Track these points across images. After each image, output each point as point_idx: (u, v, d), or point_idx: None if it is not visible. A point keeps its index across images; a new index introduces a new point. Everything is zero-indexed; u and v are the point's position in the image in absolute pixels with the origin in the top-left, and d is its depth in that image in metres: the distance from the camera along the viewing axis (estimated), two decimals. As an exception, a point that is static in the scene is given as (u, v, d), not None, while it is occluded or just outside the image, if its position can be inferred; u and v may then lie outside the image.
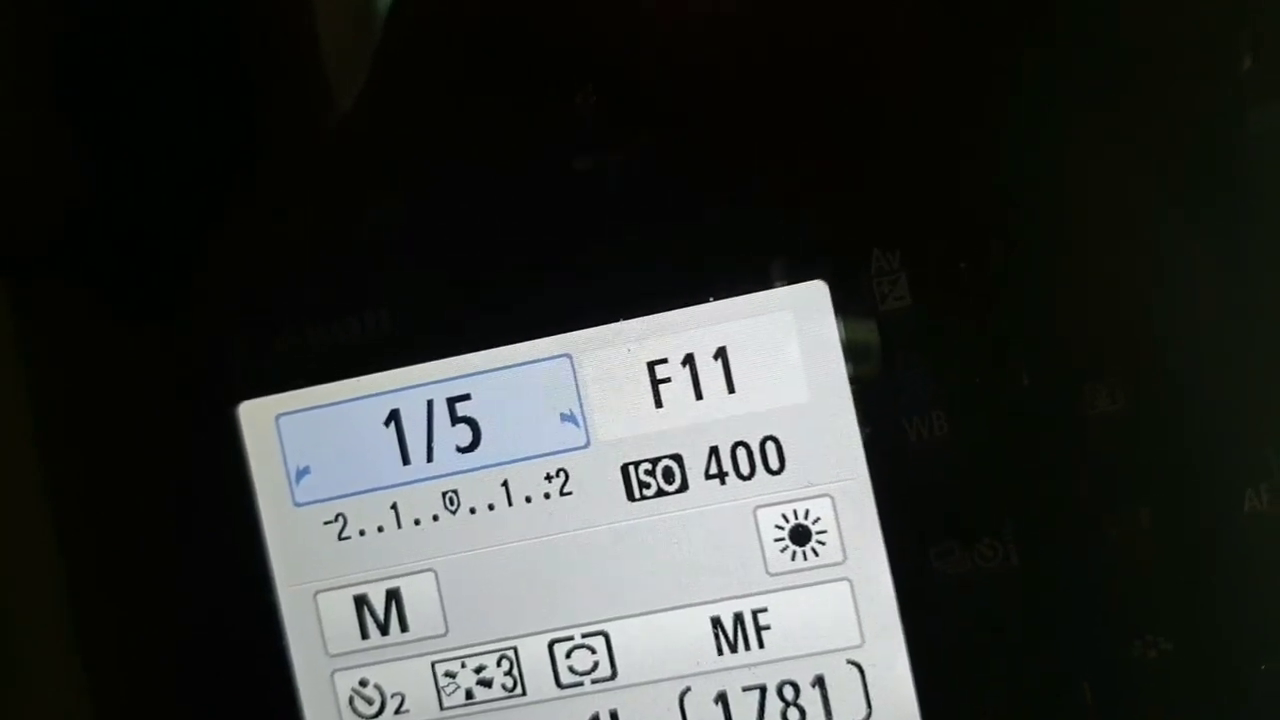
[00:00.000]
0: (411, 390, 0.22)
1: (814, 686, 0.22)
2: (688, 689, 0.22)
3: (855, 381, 0.21)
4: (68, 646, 0.23)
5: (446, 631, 0.22)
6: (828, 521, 0.21)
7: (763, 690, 0.22)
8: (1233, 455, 0.21)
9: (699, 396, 0.22)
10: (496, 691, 0.22)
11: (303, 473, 0.22)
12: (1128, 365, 0.21)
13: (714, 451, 0.22)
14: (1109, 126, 0.21)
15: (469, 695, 0.22)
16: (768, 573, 0.22)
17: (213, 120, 0.22)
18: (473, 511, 0.22)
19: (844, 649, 0.21)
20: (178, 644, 0.23)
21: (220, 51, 0.22)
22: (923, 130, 0.21)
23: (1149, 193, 0.21)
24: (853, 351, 0.21)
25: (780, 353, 0.21)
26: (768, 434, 0.22)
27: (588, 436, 0.22)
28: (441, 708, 0.22)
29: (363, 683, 0.22)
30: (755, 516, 0.22)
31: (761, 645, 0.22)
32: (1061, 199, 0.21)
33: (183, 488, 0.23)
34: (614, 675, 0.22)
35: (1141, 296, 0.21)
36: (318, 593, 0.22)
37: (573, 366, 0.22)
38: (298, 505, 0.22)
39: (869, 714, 0.21)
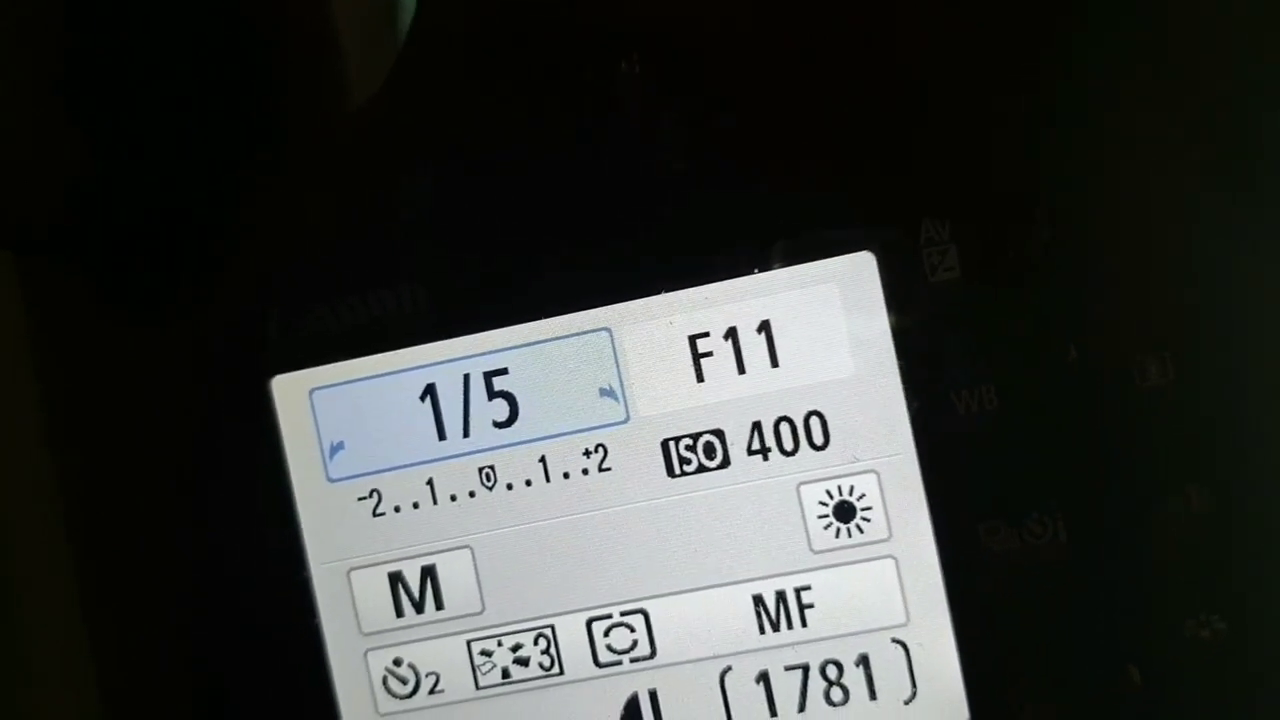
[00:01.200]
0: (448, 364, 0.22)
1: (858, 666, 0.21)
2: (729, 668, 0.21)
3: (902, 355, 0.21)
4: (96, 622, 0.23)
5: (483, 609, 0.22)
6: (873, 498, 0.21)
7: (805, 669, 0.21)
8: (1287, 431, 0.20)
9: (741, 370, 0.21)
10: (534, 670, 0.22)
11: (337, 448, 0.22)
12: (1180, 338, 0.20)
13: (756, 426, 0.21)
14: (1158, 98, 0.20)
15: (505, 674, 0.22)
16: (811, 550, 0.21)
17: (243, 93, 0.22)
18: (510, 488, 0.22)
19: (889, 628, 0.21)
20: (211, 622, 0.22)
21: (252, 21, 0.22)
22: (972, 100, 0.21)
23: (1199, 163, 0.20)
24: (900, 324, 0.21)
25: (825, 326, 0.21)
26: (812, 409, 0.21)
27: (627, 411, 0.21)
28: (477, 687, 0.22)
29: (396, 662, 0.22)
30: (799, 493, 0.21)
31: (804, 624, 0.21)
32: (1111, 170, 0.20)
33: (216, 464, 0.22)
34: (653, 654, 0.22)
35: (1193, 267, 0.20)
36: (351, 570, 0.22)
37: (612, 340, 0.21)
38: (331, 481, 0.22)
39: (914, 694, 0.21)
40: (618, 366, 0.21)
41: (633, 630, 0.22)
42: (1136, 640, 0.21)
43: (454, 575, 0.22)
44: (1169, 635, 0.20)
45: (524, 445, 0.22)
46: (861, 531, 0.21)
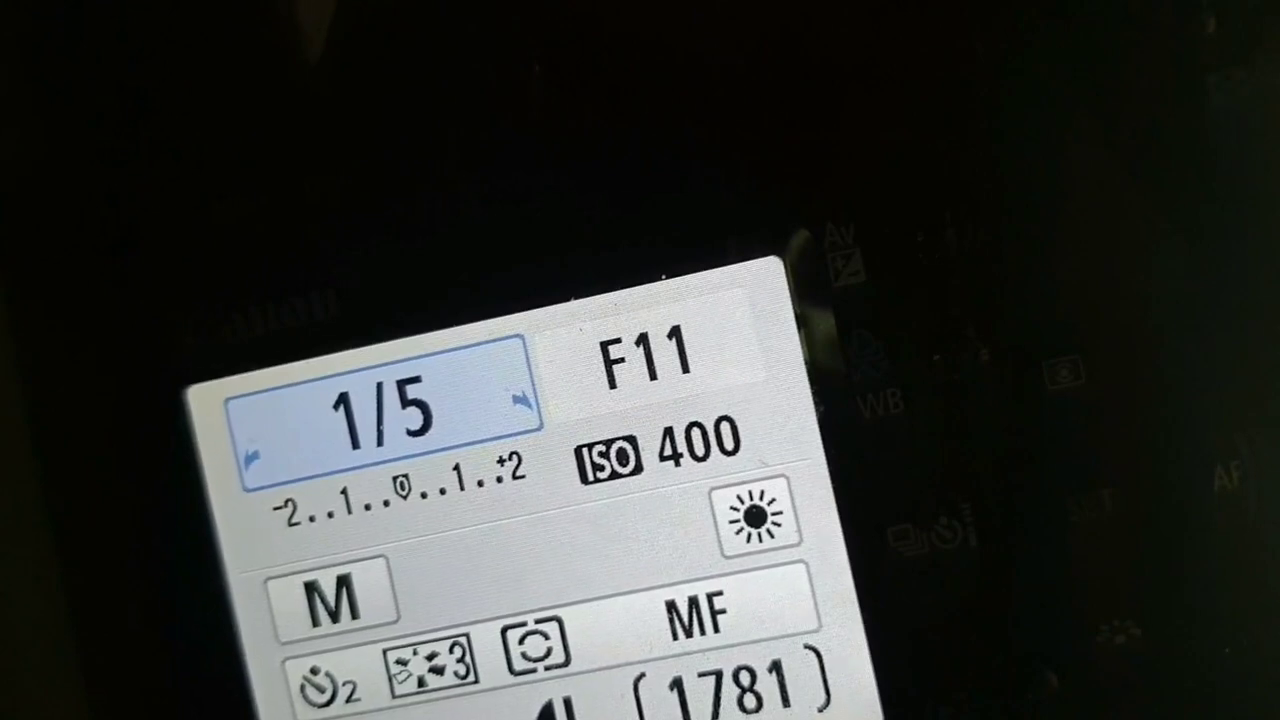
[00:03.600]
0: (361, 373, 0.22)
1: (771, 672, 0.21)
2: (642, 675, 0.21)
3: (810, 359, 0.21)
4: (8, 630, 0.23)
5: (398, 618, 0.22)
6: (783, 502, 0.21)
7: (719, 676, 0.21)
8: (1201, 433, 0.20)
9: (653, 376, 0.21)
10: (449, 679, 0.22)
11: (252, 457, 0.22)
12: (1090, 340, 0.20)
13: (668, 432, 0.21)
14: (1067, 99, 0.20)
15: (421, 683, 0.22)
16: (723, 555, 0.21)
17: (157, 104, 0.22)
18: (424, 496, 0.22)
19: (801, 633, 0.21)
20: (127, 631, 0.22)
21: (162, 31, 0.22)
22: (876, 105, 0.21)
23: (1110, 163, 0.20)
24: (807, 329, 0.21)
25: (735, 331, 0.21)
26: (722, 414, 0.21)
27: (541, 419, 0.21)
28: (393, 695, 0.22)
29: (314, 670, 0.22)
30: (710, 498, 0.21)
31: (717, 629, 0.21)
32: (1018, 172, 0.20)
33: (133, 474, 0.22)
34: (568, 661, 0.21)
35: (1103, 269, 0.20)
36: (268, 579, 0.22)
37: (525, 347, 0.21)
38: (247, 490, 0.22)
39: (828, 702, 0.21)
40: (531, 373, 0.21)
41: (547, 638, 0.22)
42: (1051, 646, 0.20)
43: (369, 584, 0.22)
44: (1084, 641, 0.20)
45: (438, 454, 0.22)
46: (772, 536, 0.21)
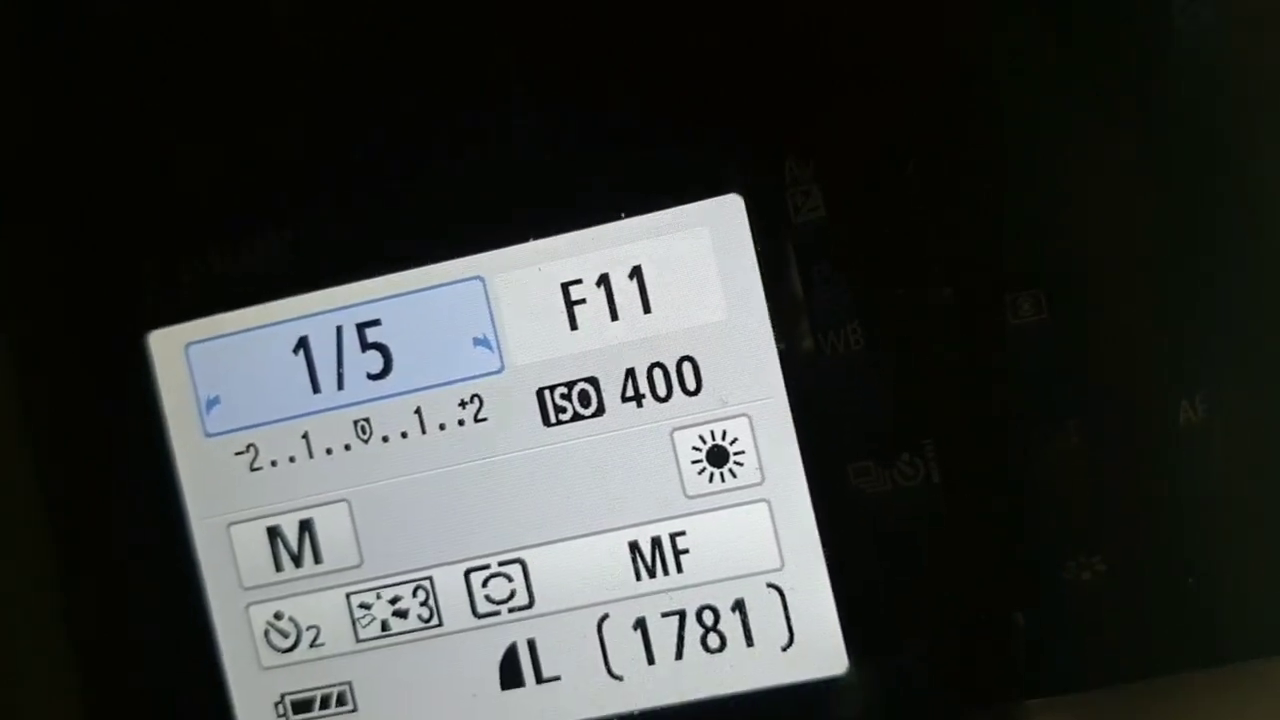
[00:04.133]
0: (320, 316, 0.22)
1: (734, 611, 0.21)
2: (606, 615, 0.21)
3: (771, 297, 0.20)
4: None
5: (361, 562, 0.22)
6: (745, 442, 0.21)
7: (682, 615, 0.21)
8: (1165, 366, 0.20)
9: (614, 317, 0.21)
10: (413, 622, 0.22)
11: (213, 403, 0.22)
12: (1053, 274, 0.20)
13: (630, 374, 0.21)
14: (1028, 31, 0.20)
15: (384, 627, 0.22)
16: (685, 495, 0.21)
17: (113, 55, 0.22)
18: (385, 440, 0.22)
19: (764, 572, 0.21)
20: (92, 579, 0.22)
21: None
22: (834, 40, 0.20)
23: (1069, 95, 0.20)
24: (768, 266, 0.20)
25: (697, 270, 0.21)
26: (684, 354, 0.21)
27: (502, 361, 0.21)
28: (358, 639, 0.22)
29: (277, 615, 0.22)
30: (673, 439, 0.21)
31: (680, 570, 0.21)
32: (977, 105, 0.20)
33: (94, 421, 0.22)
34: (531, 603, 0.21)
35: (1065, 203, 0.20)
36: (231, 524, 0.22)
37: (485, 289, 0.21)
38: (209, 436, 0.22)
39: (791, 640, 0.21)
40: (491, 315, 0.21)
41: (510, 580, 0.21)
42: (1016, 583, 0.20)
43: (332, 528, 0.22)
44: (1049, 577, 0.20)
45: (399, 397, 0.21)
46: (735, 476, 0.21)
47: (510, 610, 0.21)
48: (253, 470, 0.22)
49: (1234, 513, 0.20)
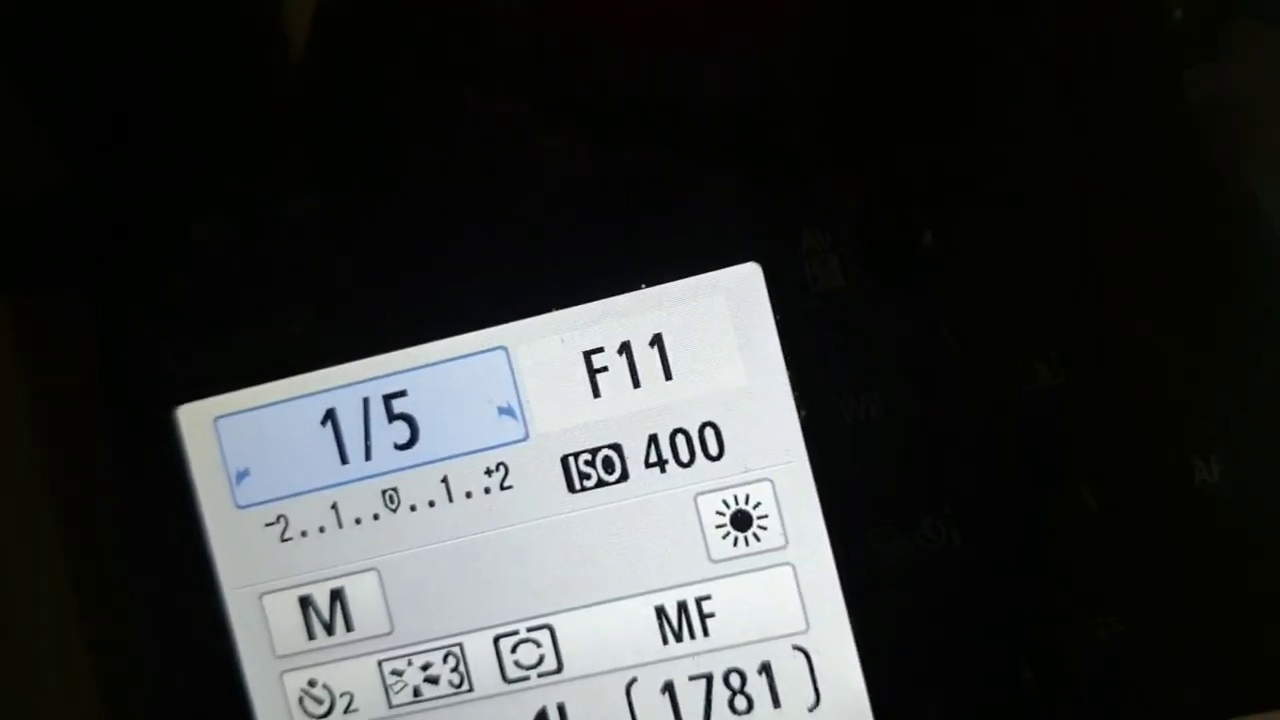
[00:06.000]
0: (347, 389, 0.22)
1: (760, 674, 0.21)
2: (634, 679, 0.22)
3: (791, 364, 0.21)
4: (12, 654, 0.23)
5: (392, 630, 0.22)
6: (768, 506, 0.21)
7: (709, 679, 0.21)
8: (1179, 427, 0.20)
9: (636, 384, 0.21)
10: (444, 688, 0.22)
11: (243, 475, 0.22)
12: (1067, 338, 0.20)
13: (653, 439, 0.21)
14: (1039, 99, 0.20)
15: (416, 693, 0.22)
16: (710, 560, 0.21)
17: (134, 128, 0.22)
18: (413, 509, 0.22)
19: (790, 635, 0.21)
20: (128, 651, 0.23)
21: (138, 51, 0.22)
22: (851, 110, 0.21)
23: (1083, 159, 0.20)
24: (787, 334, 0.21)
25: (716, 337, 0.21)
26: (706, 420, 0.21)
27: (526, 429, 0.22)
28: (390, 706, 0.22)
29: (311, 683, 0.22)
30: (696, 504, 0.21)
31: (706, 633, 0.21)
32: (992, 172, 0.20)
33: (127, 496, 0.23)
34: (560, 668, 0.22)
35: (1079, 267, 0.20)
36: (263, 594, 0.22)
37: (509, 359, 0.22)
38: (239, 508, 0.22)
39: (817, 701, 0.21)
40: (515, 384, 0.22)
41: (539, 646, 0.22)
42: (1035, 642, 0.21)
43: (362, 597, 0.22)
44: (1067, 636, 0.20)
45: (426, 466, 0.22)
46: (759, 540, 0.21)
47: (539, 675, 0.22)
48: (283, 541, 0.22)
49: (1250, 572, 0.20)
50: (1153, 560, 0.20)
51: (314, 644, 0.22)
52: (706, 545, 0.21)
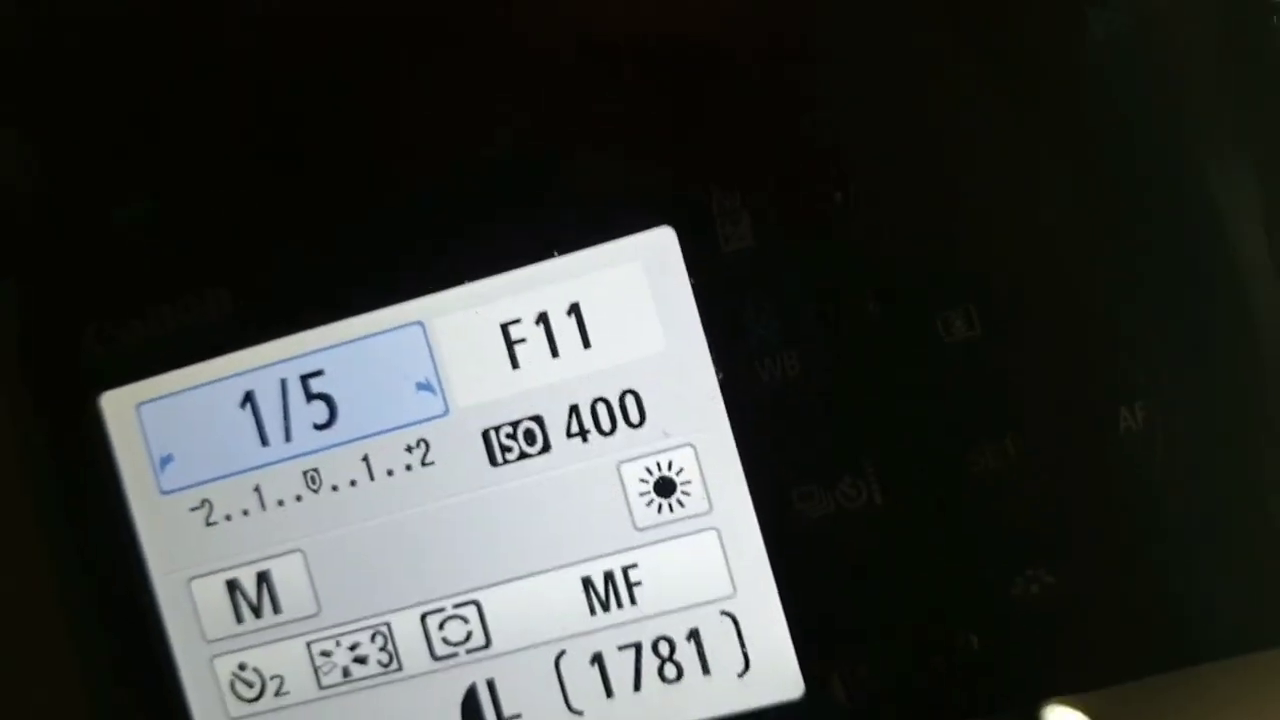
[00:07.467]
0: (264, 370, 0.22)
1: (689, 640, 0.21)
2: (563, 652, 0.21)
3: (707, 327, 0.21)
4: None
5: (319, 611, 0.22)
6: (691, 472, 0.21)
7: (638, 648, 0.21)
8: (1102, 374, 0.20)
9: (555, 354, 0.21)
10: (373, 668, 0.22)
11: (166, 460, 0.22)
12: (982, 289, 0.20)
13: (574, 410, 0.21)
14: (945, 47, 0.20)
15: (346, 673, 0.22)
16: (635, 528, 0.21)
17: (48, 108, 0.22)
18: (335, 489, 0.22)
19: (716, 600, 0.21)
20: (55, 640, 0.23)
21: (53, 32, 0.22)
22: (754, 67, 0.20)
23: (991, 105, 0.20)
24: (702, 296, 0.21)
25: (633, 303, 0.21)
26: (627, 387, 0.21)
27: (446, 404, 0.21)
28: (320, 687, 0.22)
29: (241, 666, 0.22)
30: (620, 472, 0.21)
31: (634, 602, 0.21)
32: (897, 123, 0.20)
33: (51, 484, 0.23)
34: (488, 644, 0.22)
35: (991, 216, 0.20)
36: (191, 579, 0.22)
37: (425, 333, 0.21)
38: (164, 493, 0.22)
39: (746, 667, 0.21)
40: (433, 359, 0.21)
41: (466, 621, 0.22)
42: (964, 598, 0.20)
43: (288, 579, 0.22)
44: (997, 592, 0.20)
45: (346, 445, 0.22)
46: (683, 506, 0.21)
47: (468, 651, 0.22)
48: (209, 525, 0.22)
49: (1179, 517, 0.20)
50: (1080, 511, 0.20)
51: (243, 627, 0.22)
52: (631, 513, 0.21)
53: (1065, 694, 0.20)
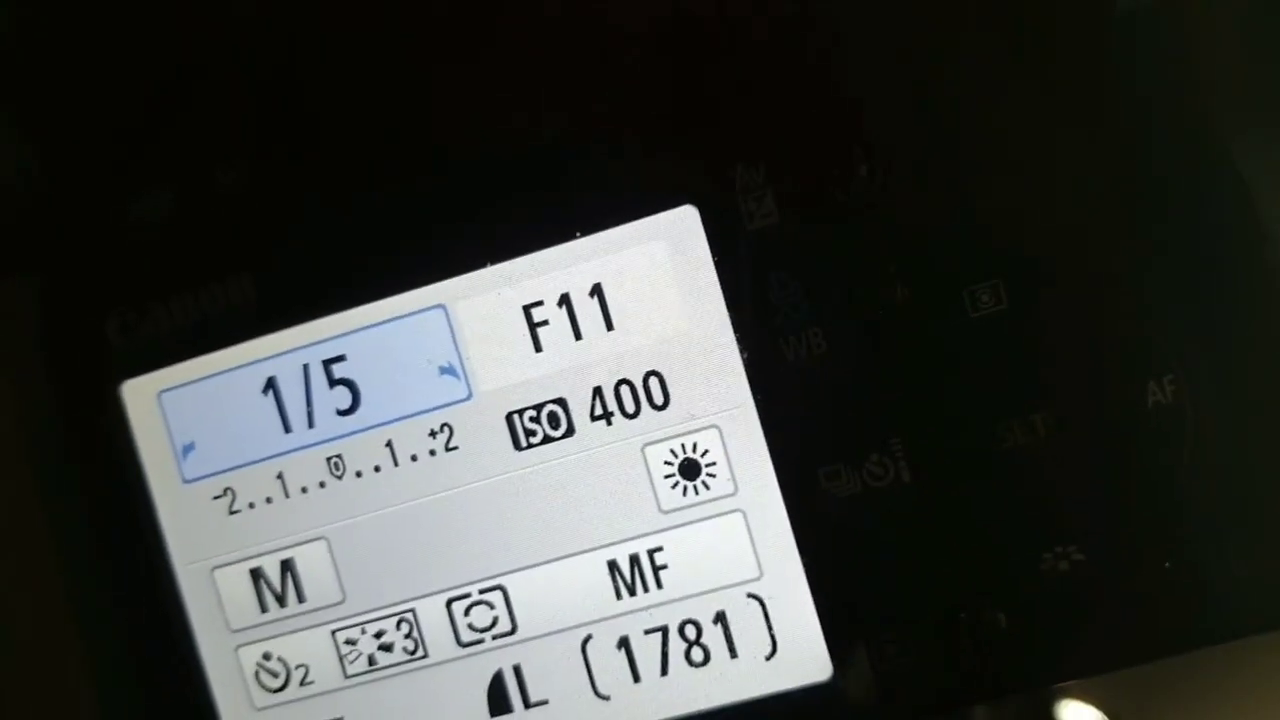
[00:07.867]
0: (286, 356, 0.22)
1: (716, 624, 0.21)
2: (589, 636, 0.21)
3: (731, 306, 0.20)
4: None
5: (344, 599, 0.22)
6: (716, 453, 0.21)
7: (664, 631, 0.21)
8: (1131, 348, 0.20)
9: (578, 337, 0.21)
10: (399, 655, 0.22)
11: (189, 448, 0.22)
12: (1009, 263, 0.20)
13: (598, 392, 0.21)
14: (970, 23, 0.20)
15: (371, 661, 0.22)
16: (660, 511, 0.21)
17: (63, 103, 0.22)
18: (359, 475, 0.22)
19: (743, 582, 0.21)
20: (80, 630, 0.23)
21: (66, 25, 0.22)
22: (779, 44, 0.20)
23: (1017, 83, 0.20)
24: (726, 275, 0.20)
25: (656, 283, 0.21)
26: (650, 369, 0.21)
27: (469, 388, 0.21)
28: (345, 676, 0.22)
29: (266, 656, 0.22)
30: (644, 454, 0.21)
31: (660, 585, 0.21)
32: (921, 97, 0.20)
33: (74, 473, 0.22)
34: (514, 629, 0.21)
35: (1018, 190, 0.20)
36: (214, 568, 0.22)
37: (447, 317, 0.21)
38: (187, 482, 0.22)
39: (774, 649, 0.21)
40: (455, 343, 0.21)
41: (492, 607, 0.21)
42: (992, 575, 0.20)
43: (312, 567, 0.22)
44: (1026, 569, 0.20)
45: (369, 431, 0.22)
46: (708, 488, 0.21)
47: (494, 638, 0.21)
48: (232, 513, 0.22)
49: (1208, 493, 0.20)
50: (1109, 487, 0.20)
51: (267, 616, 0.22)
52: (656, 496, 0.21)
53: (1096, 673, 0.20)
